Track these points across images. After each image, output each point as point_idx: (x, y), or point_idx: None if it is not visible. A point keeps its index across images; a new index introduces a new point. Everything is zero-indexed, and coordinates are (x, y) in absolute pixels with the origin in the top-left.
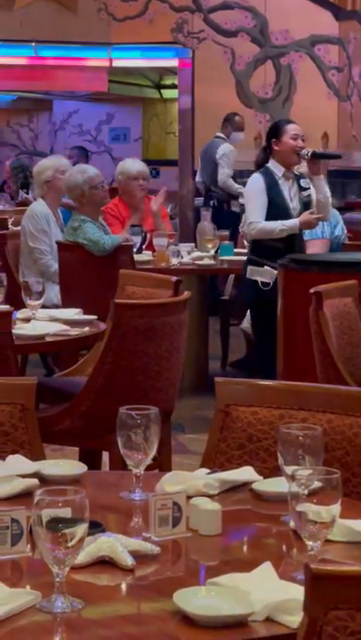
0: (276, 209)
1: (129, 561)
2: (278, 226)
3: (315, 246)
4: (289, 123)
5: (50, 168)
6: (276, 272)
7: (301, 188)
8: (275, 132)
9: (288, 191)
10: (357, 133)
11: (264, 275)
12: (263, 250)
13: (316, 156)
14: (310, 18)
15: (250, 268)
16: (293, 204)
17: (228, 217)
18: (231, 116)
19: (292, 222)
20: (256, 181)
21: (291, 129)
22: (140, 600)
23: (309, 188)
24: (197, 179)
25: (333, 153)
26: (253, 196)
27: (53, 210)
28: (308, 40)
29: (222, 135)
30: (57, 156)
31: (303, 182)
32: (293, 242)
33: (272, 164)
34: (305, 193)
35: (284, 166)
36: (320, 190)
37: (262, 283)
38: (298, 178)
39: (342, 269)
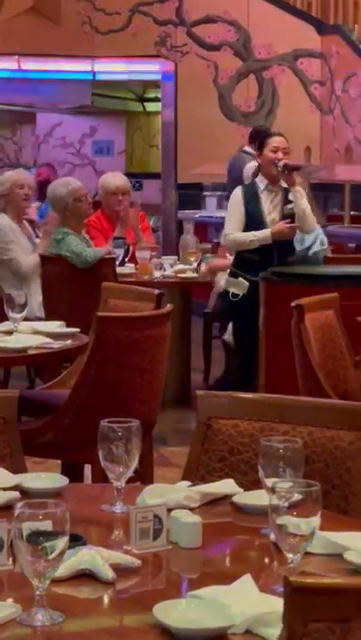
0: (252, 220)
1: (110, 574)
2: (249, 236)
3: None
4: (272, 135)
5: (7, 181)
6: (248, 284)
7: (287, 201)
8: (259, 144)
9: (269, 203)
10: (340, 147)
11: (237, 286)
12: (240, 261)
13: (285, 168)
14: (293, 32)
15: (227, 279)
16: (272, 216)
17: None
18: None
19: (263, 232)
20: (234, 194)
21: (271, 141)
22: (120, 613)
23: (293, 200)
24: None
25: (297, 164)
26: (230, 208)
27: (18, 221)
28: (290, 54)
29: (250, 150)
30: (18, 170)
31: (291, 195)
32: (271, 254)
33: (259, 177)
34: (289, 205)
35: (267, 179)
36: (295, 202)
37: (232, 294)
38: (286, 190)
39: (324, 282)
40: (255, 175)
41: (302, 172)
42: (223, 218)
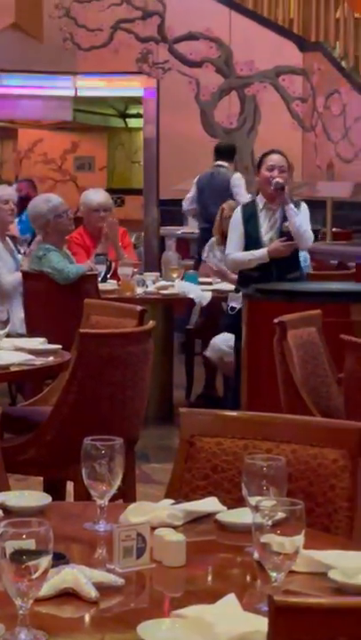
0: (249, 240)
1: (93, 593)
2: (248, 256)
3: None
4: (270, 153)
5: None
6: None
7: (285, 219)
8: (258, 163)
9: (267, 222)
10: (322, 164)
11: (238, 299)
12: (241, 277)
13: (276, 187)
14: (275, 49)
15: (230, 294)
16: (270, 235)
17: None
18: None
19: (261, 252)
20: (235, 214)
21: (268, 160)
22: (103, 632)
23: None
24: (188, 205)
25: (282, 183)
26: (230, 228)
27: (1, 237)
28: (272, 71)
29: (226, 165)
30: (2, 186)
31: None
32: (270, 270)
33: (259, 195)
34: (286, 223)
35: (264, 197)
36: (289, 220)
37: (230, 307)
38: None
39: (306, 299)
40: (257, 193)
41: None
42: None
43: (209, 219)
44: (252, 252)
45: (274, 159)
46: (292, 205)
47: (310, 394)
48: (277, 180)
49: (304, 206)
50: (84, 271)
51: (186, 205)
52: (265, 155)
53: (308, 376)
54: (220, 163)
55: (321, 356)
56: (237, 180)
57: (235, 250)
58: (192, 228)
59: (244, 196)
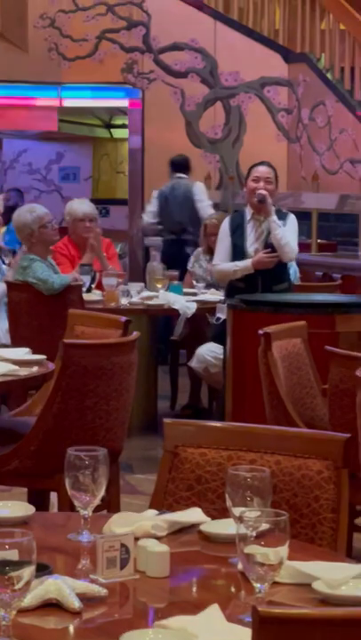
0: (235, 250)
1: (76, 603)
2: (232, 267)
3: None
4: (257, 165)
5: None
6: None
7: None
8: (246, 174)
9: (254, 233)
10: (307, 175)
11: (223, 311)
12: (229, 288)
13: (258, 200)
14: (260, 60)
15: (218, 304)
16: (255, 246)
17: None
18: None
19: (245, 263)
20: (223, 225)
21: (254, 171)
22: None
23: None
24: (151, 219)
25: (262, 195)
26: (219, 238)
27: None
28: (257, 82)
29: (185, 176)
30: None
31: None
32: (256, 282)
33: (247, 207)
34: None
35: (251, 208)
36: (271, 232)
37: (217, 317)
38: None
39: (291, 310)
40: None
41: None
42: None
43: (174, 230)
44: (236, 262)
45: (260, 170)
46: (274, 217)
47: (295, 405)
48: (260, 191)
49: (291, 219)
50: (69, 282)
51: (148, 219)
52: (253, 166)
53: (293, 387)
54: (179, 175)
55: (306, 368)
56: (199, 189)
57: (221, 260)
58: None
59: (206, 205)
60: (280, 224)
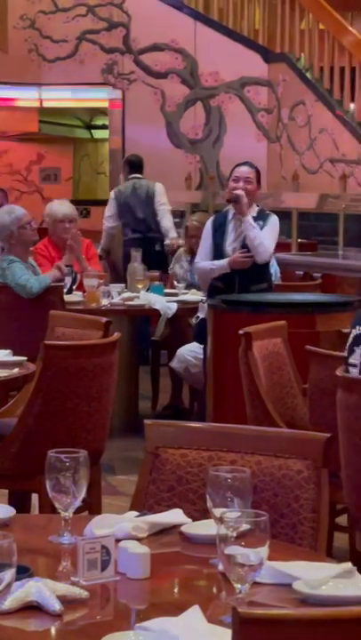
0: (215, 250)
1: (57, 606)
2: (209, 265)
3: None
4: (239, 165)
5: None
6: None
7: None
8: (229, 174)
9: (234, 233)
10: (287, 174)
11: (204, 310)
12: (209, 288)
13: (229, 199)
14: (240, 60)
15: (200, 304)
16: (233, 245)
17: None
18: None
19: (221, 262)
20: (207, 224)
21: (235, 171)
22: None
23: (261, 229)
24: (112, 224)
25: (235, 195)
26: (202, 237)
27: None
28: (237, 82)
29: (141, 176)
30: None
31: (257, 223)
32: (233, 282)
33: (230, 206)
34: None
35: (233, 207)
36: (245, 232)
37: (196, 316)
38: (256, 219)
39: (272, 310)
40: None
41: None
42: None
43: (139, 229)
44: (214, 262)
45: (240, 170)
46: (248, 217)
47: (276, 404)
48: (235, 191)
49: (272, 220)
50: (49, 282)
51: (110, 224)
52: (235, 166)
53: (274, 387)
54: (136, 175)
55: (286, 367)
56: (161, 190)
57: (202, 259)
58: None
59: (167, 209)
60: (254, 225)
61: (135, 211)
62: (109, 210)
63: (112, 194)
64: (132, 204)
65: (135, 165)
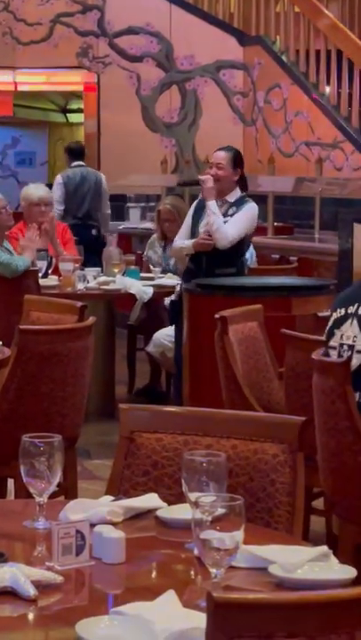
0: (191, 230)
1: (31, 591)
2: (180, 244)
3: None
4: (216, 150)
5: None
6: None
7: (227, 215)
8: None
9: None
10: (263, 158)
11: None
12: (185, 270)
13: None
14: (215, 43)
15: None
16: (206, 228)
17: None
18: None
19: (188, 242)
20: (192, 206)
21: (211, 157)
22: (43, 630)
23: (232, 215)
24: (60, 207)
25: (193, 180)
26: (185, 219)
27: None
28: (213, 65)
29: (84, 164)
30: None
31: (231, 209)
32: (200, 263)
33: None
34: (224, 219)
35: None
36: (206, 217)
37: (170, 300)
38: (233, 204)
39: (247, 294)
40: None
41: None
42: (146, 229)
43: (79, 215)
44: (184, 241)
45: (214, 156)
46: (210, 203)
47: (252, 389)
48: (199, 176)
49: (246, 207)
50: (29, 264)
51: (59, 207)
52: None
53: (250, 371)
54: (80, 162)
55: (262, 351)
56: (105, 179)
57: (179, 238)
58: (133, 222)
59: (107, 196)
60: (215, 211)
61: (84, 199)
62: (57, 194)
63: (60, 178)
64: (82, 192)
65: (77, 153)
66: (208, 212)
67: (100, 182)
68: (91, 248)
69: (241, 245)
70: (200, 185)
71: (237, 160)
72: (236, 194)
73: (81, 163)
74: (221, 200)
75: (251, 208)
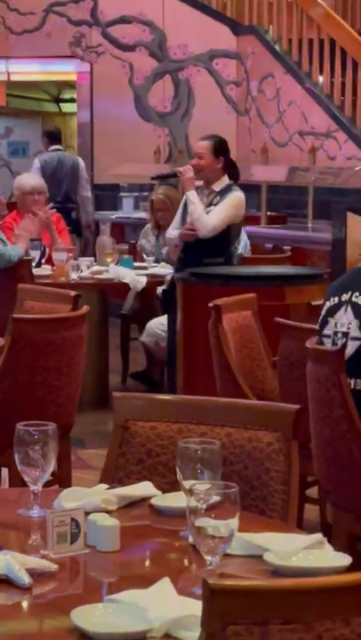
0: (182, 220)
1: (26, 579)
2: (171, 234)
3: None
4: (198, 140)
5: None
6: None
7: (211, 204)
8: None
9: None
10: (256, 147)
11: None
12: (177, 259)
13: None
14: (208, 33)
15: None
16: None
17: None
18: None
19: (175, 233)
20: (184, 197)
21: None
22: (37, 618)
23: (217, 204)
24: None
25: (168, 173)
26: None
27: None
28: (206, 55)
29: (62, 148)
30: None
31: (216, 199)
32: (188, 253)
33: None
34: (208, 209)
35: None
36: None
37: (163, 289)
38: (218, 194)
39: (241, 283)
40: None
41: None
42: (140, 219)
43: (58, 199)
44: (173, 231)
45: (195, 145)
46: (189, 193)
47: (246, 377)
48: (178, 169)
49: (230, 196)
50: (23, 253)
51: None
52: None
53: (244, 359)
54: (57, 147)
55: (256, 340)
56: (83, 163)
57: (172, 227)
58: (127, 212)
59: (87, 180)
60: (194, 200)
61: (61, 182)
62: None
63: (37, 162)
64: (60, 175)
65: (55, 137)
66: (188, 201)
67: (76, 165)
68: (71, 231)
69: (227, 235)
70: (177, 177)
71: (219, 148)
72: (223, 182)
73: (58, 147)
74: (208, 189)
75: (235, 197)
